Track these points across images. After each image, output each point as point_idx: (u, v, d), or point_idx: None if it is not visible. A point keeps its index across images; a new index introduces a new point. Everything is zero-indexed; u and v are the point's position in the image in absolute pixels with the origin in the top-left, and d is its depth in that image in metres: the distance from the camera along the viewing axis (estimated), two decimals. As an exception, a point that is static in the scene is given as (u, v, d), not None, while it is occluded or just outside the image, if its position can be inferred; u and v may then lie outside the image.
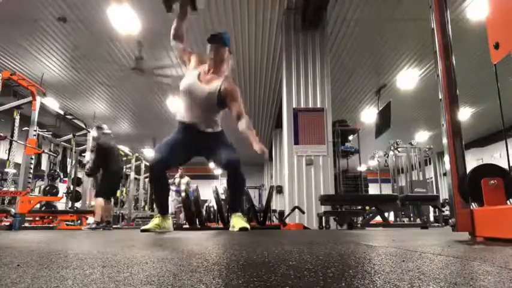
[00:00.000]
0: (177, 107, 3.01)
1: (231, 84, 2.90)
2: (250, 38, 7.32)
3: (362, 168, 9.61)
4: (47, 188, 7.57)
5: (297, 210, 5.41)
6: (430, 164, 9.80)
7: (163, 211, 2.88)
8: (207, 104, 2.80)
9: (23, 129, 6.18)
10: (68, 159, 8.63)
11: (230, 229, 2.86)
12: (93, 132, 7.12)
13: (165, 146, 2.85)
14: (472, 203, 1.76)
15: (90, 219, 6.70)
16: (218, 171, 19.52)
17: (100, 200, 5.41)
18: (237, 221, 2.79)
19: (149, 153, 16.02)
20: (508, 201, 1.66)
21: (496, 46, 1.58)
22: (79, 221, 6.94)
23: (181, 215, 9.19)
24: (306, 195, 5.77)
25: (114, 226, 7.44)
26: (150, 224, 2.79)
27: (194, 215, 4.42)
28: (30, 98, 5.37)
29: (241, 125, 2.78)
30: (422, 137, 13.61)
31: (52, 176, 7.68)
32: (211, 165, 17.96)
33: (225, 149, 2.86)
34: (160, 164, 2.79)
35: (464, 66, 7.86)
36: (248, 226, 2.79)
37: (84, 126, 7.50)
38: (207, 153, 2.97)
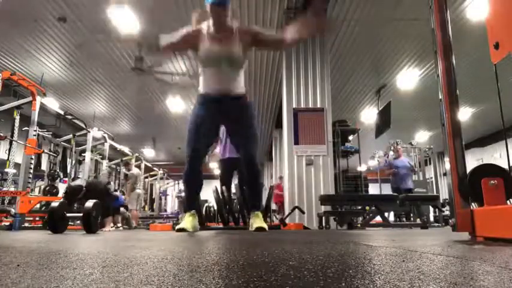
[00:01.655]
0: (198, 80, 2.83)
1: (243, 27, 2.75)
2: (250, 38, 7.31)
3: (362, 168, 9.61)
4: (47, 188, 7.55)
5: (297, 210, 5.41)
6: (430, 164, 9.80)
7: (195, 208, 2.75)
8: (229, 62, 2.65)
9: (23, 129, 6.18)
10: (68, 159, 8.63)
11: (250, 229, 2.75)
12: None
13: (194, 136, 2.66)
14: (472, 203, 1.76)
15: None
16: (218, 171, 19.47)
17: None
18: (255, 220, 2.68)
19: (149, 153, 16.03)
20: (508, 201, 1.66)
21: (496, 46, 1.58)
22: (78, 221, 6.93)
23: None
24: (306, 195, 5.77)
25: (116, 226, 7.45)
26: (186, 223, 2.63)
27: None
28: (30, 98, 5.37)
29: (289, 35, 2.65)
30: (422, 137, 13.60)
31: (52, 176, 7.67)
32: (213, 164, 17.97)
33: (248, 135, 2.73)
34: (196, 158, 2.66)
35: (464, 66, 7.86)
36: (265, 226, 2.67)
37: (84, 126, 7.50)
38: (231, 125, 2.83)
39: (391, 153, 9.41)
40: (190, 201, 2.78)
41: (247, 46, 2.73)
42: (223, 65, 2.65)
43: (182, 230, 2.59)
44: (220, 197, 4.63)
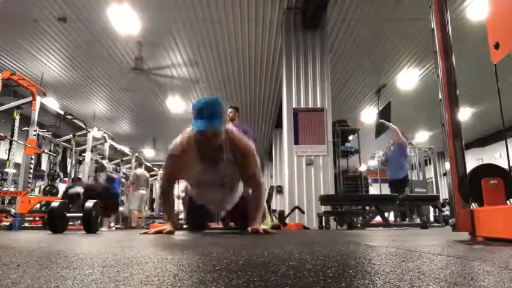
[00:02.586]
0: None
1: (239, 141, 2.43)
2: (250, 38, 7.32)
3: (362, 168, 9.61)
4: (47, 188, 7.55)
5: (297, 210, 5.41)
6: (430, 164, 9.81)
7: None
8: (221, 184, 2.55)
9: (23, 129, 6.18)
10: (68, 159, 8.63)
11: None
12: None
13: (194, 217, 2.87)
14: (472, 203, 1.76)
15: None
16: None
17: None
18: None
19: (149, 153, 16.02)
20: (508, 201, 1.66)
21: (496, 46, 1.58)
22: (79, 221, 6.93)
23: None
24: (306, 195, 5.77)
25: (115, 227, 7.45)
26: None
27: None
28: (30, 98, 5.37)
29: (252, 195, 2.52)
30: (422, 137, 13.61)
31: (52, 176, 7.67)
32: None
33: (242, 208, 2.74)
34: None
35: (464, 66, 7.86)
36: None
37: (84, 126, 7.50)
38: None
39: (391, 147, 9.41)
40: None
41: (235, 159, 2.46)
42: (215, 187, 2.56)
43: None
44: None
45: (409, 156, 9.52)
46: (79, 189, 5.67)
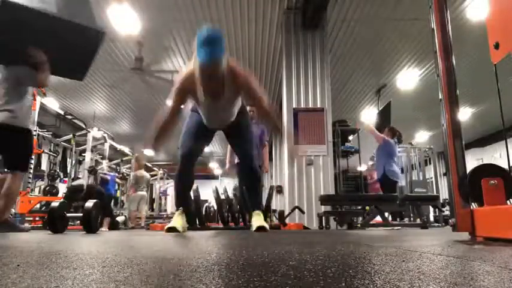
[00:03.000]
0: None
1: (238, 73, 2.48)
2: (250, 38, 7.32)
3: (362, 168, 9.61)
4: (47, 188, 7.56)
5: (297, 210, 5.40)
6: (430, 164, 9.81)
7: (184, 205, 2.80)
8: (222, 106, 2.62)
9: (23, 129, 6.18)
10: (68, 159, 8.63)
11: (251, 229, 2.76)
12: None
13: (190, 136, 2.72)
14: (472, 203, 1.76)
15: None
16: (218, 171, 19.55)
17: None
18: (256, 220, 2.70)
19: (149, 153, 16.02)
20: (508, 201, 1.66)
21: (496, 46, 1.58)
22: (78, 221, 6.93)
23: None
24: (306, 195, 5.77)
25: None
26: (175, 223, 2.63)
27: (194, 215, 4.42)
28: (30, 98, 5.37)
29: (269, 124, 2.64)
30: (422, 137, 13.60)
31: (52, 176, 7.68)
32: (212, 164, 17.98)
33: (244, 135, 2.79)
34: (190, 157, 2.71)
35: (464, 66, 7.86)
36: (266, 225, 2.69)
37: (84, 126, 7.50)
38: (228, 130, 2.87)
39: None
40: (181, 199, 2.81)
41: (237, 90, 2.57)
42: (216, 108, 2.64)
43: (172, 229, 2.59)
44: (221, 197, 4.63)
45: (410, 156, 9.51)
46: (82, 182, 5.66)
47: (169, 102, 2.67)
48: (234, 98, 2.61)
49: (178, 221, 2.66)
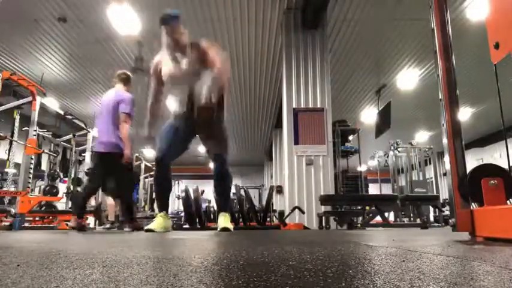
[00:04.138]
0: (168, 102, 3.08)
1: (203, 45, 2.84)
2: (250, 38, 7.32)
3: (362, 168, 9.61)
4: (47, 188, 7.56)
5: (297, 210, 5.41)
6: (430, 164, 9.81)
7: (165, 209, 2.88)
8: (193, 78, 2.78)
9: (23, 129, 6.18)
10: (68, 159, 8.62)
11: (218, 230, 2.89)
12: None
13: (165, 141, 2.84)
14: (472, 203, 1.76)
15: (90, 220, 6.71)
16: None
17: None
18: (222, 221, 2.86)
19: (149, 153, 16.03)
20: (508, 201, 1.66)
21: (496, 46, 1.58)
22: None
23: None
24: (306, 195, 5.77)
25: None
26: (155, 224, 2.75)
27: (194, 215, 4.42)
28: (30, 98, 5.37)
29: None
30: (422, 137, 13.60)
31: (52, 176, 7.68)
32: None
33: (218, 136, 2.88)
34: (164, 161, 2.81)
35: (464, 66, 7.86)
36: (231, 227, 2.84)
37: (84, 126, 7.50)
38: (202, 132, 2.95)
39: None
40: (162, 202, 2.93)
41: (203, 59, 2.82)
42: (187, 81, 2.80)
43: (150, 230, 2.70)
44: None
45: (410, 156, 9.50)
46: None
47: (150, 87, 2.98)
48: (199, 65, 2.79)
49: (160, 222, 2.76)
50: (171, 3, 6.13)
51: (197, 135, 3.00)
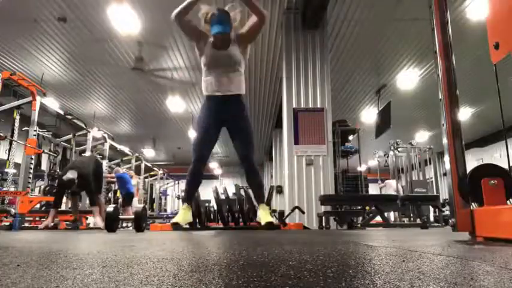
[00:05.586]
0: (203, 84, 3.05)
1: (240, 32, 3.04)
2: (250, 38, 7.32)
3: (362, 168, 9.62)
4: (47, 188, 7.56)
5: (297, 210, 5.41)
6: (430, 164, 9.81)
7: (191, 201, 3.06)
8: (231, 61, 2.93)
9: (23, 129, 6.18)
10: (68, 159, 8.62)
11: (261, 223, 2.96)
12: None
13: (200, 144, 2.95)
14: (472, 203, 1.76)
15: (90, 219, 6.71)
16: (218, 171, 19.57)
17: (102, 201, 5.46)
18: (263, 214, 2.92)
19: (149, 153, 16.03)
20: (508, 201, 1.66)
21: (496, 46, 1.58)
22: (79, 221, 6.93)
23: None
24: (306, 195, 5.77)
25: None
26: (179, 217, 2.87)
27: (194, 215, 4.41)
28: (30, 98, 5.37)
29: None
30: (422, 137, 13.60)
31: (52, 176, 7.67)
32: (212, 164, 18.00)
33: (246, 131, 2.99)
34: (203, 160, 2.97)
35: (464, 66, 7.86)
36: (273, 220, 2.92)
37: (84, 126, 7.50)
38: (231, 126, 3.04)
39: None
40: (189, 195, 3.08)
41: (246, 46, 3.05)
42: (224, 68, 2.93)
43: (176, 224, 2.86)
44: (221, 197, 4.63)
45: (410, 156, 9.51)
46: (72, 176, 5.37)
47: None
48: (240, 51, 3.00)
49: (182, 214, 2.90)
50: (171, 3, 6.12)
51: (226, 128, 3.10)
